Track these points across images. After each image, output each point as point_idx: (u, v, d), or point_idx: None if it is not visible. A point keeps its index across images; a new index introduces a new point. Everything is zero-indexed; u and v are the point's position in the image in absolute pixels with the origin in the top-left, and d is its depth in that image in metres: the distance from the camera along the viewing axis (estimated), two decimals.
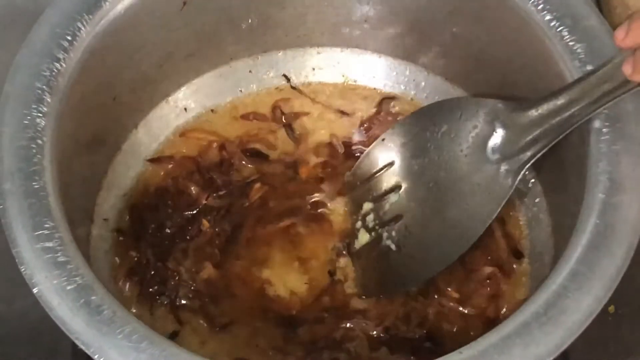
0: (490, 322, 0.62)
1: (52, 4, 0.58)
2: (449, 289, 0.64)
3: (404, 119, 0.69)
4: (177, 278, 0.64)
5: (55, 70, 0.56)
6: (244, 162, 0.70)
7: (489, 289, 0.64)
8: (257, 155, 0.71)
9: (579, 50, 0.58)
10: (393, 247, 0.64)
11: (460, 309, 0.63)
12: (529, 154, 0.57)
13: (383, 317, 0.62)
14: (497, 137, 0.59)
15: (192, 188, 0.68)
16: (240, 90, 0.74)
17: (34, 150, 0.52)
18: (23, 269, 0.48)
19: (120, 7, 0.60)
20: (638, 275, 0.53)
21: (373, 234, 0.66)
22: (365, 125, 0.72)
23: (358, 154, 0.70)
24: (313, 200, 0.69)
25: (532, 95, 0.58)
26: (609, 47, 0.56)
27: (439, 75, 0.73)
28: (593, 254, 0.50)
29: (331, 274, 0.65)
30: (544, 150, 0.57)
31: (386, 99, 0.73)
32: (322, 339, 0.61)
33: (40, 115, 0.54)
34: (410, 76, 0.74)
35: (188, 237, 0.66)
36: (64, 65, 0.56)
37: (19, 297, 0.66)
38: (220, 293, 0.64)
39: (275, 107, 0.73)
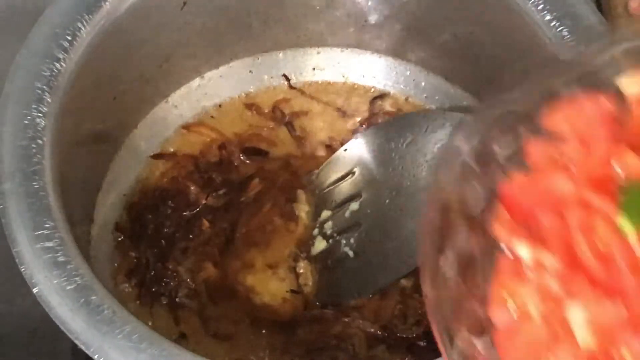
0: None
1: (52, 4, 0.58)
2: None
3: (366, 131, 0.69)
4: (176, 278, 0.64)
5: (55, 70, 0.56)
6: (242, 159, 0.70)
7: None
8: (257, 153, 0.71)
9: None
10: (351, 254, 0.65)
11: None
12: None
13: (378, 312, 0.62)
14: None
15: (192, 188, 0.68)
16: (241, 90, 0.74)
17: (34, 150, 0.52)
18: (23, 269, 0.48)
19: (120, 7, 0.60)
20: None
21: (330, 241, 0.66)
22: (365, 125, 0.72)
23: None
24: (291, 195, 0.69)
25: None
26: None
27: (439, 75, 0.73)
28: None
29: (295, 292, 0.64)
30: None
31: (376, 98, 0.74)
32: (322, 337, 0.61)
33: (40, 115, 0.54)
34: (410, 76, 0.74)
35: (188, 237, 0.66)
36: (64, 65, 0.56)
37: (19, 297, 0.66)
38: (220, 293, 0.64)
39: (275, 107, 0.73)
